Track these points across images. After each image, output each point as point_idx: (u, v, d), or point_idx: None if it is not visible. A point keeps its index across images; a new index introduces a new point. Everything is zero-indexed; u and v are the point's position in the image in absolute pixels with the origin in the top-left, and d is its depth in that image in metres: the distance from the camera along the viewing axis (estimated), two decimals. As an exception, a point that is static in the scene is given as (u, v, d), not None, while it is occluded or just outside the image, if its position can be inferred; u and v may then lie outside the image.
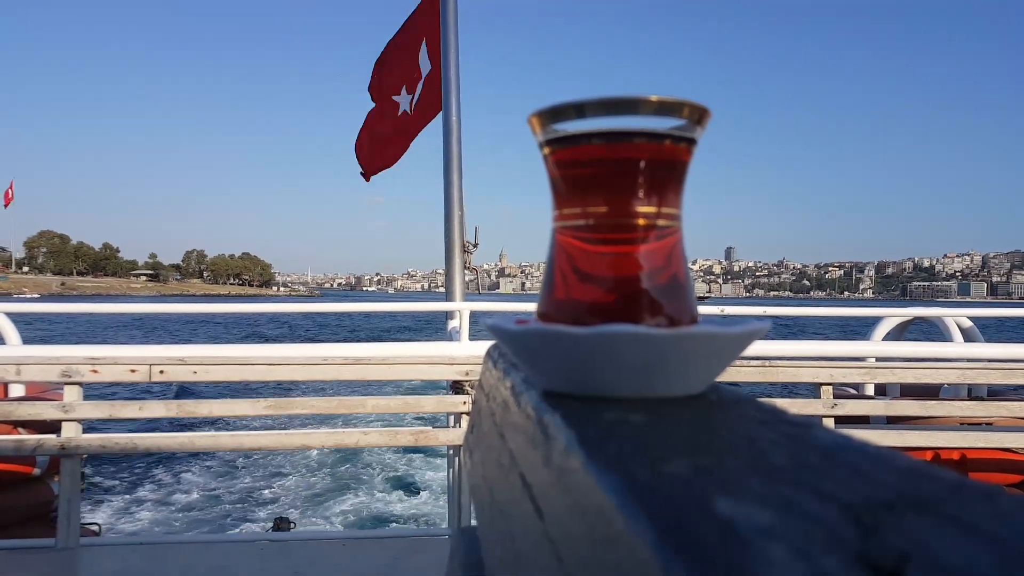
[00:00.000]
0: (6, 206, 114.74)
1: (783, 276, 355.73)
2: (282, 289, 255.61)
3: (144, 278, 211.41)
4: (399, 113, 4.83)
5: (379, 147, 5.03)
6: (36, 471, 3.14)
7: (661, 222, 0.42)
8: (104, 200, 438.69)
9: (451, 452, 2.63)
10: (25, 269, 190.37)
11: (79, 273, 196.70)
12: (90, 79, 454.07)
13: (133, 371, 2.36)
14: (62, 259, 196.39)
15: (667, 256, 0.42)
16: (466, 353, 2.61)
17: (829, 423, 2.55)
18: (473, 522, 2.43)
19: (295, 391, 9.54)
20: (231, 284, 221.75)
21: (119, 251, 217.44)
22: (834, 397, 2.62)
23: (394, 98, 4.84)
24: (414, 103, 4.69)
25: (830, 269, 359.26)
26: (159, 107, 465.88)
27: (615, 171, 0.41)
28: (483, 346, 2.71)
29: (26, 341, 3.23)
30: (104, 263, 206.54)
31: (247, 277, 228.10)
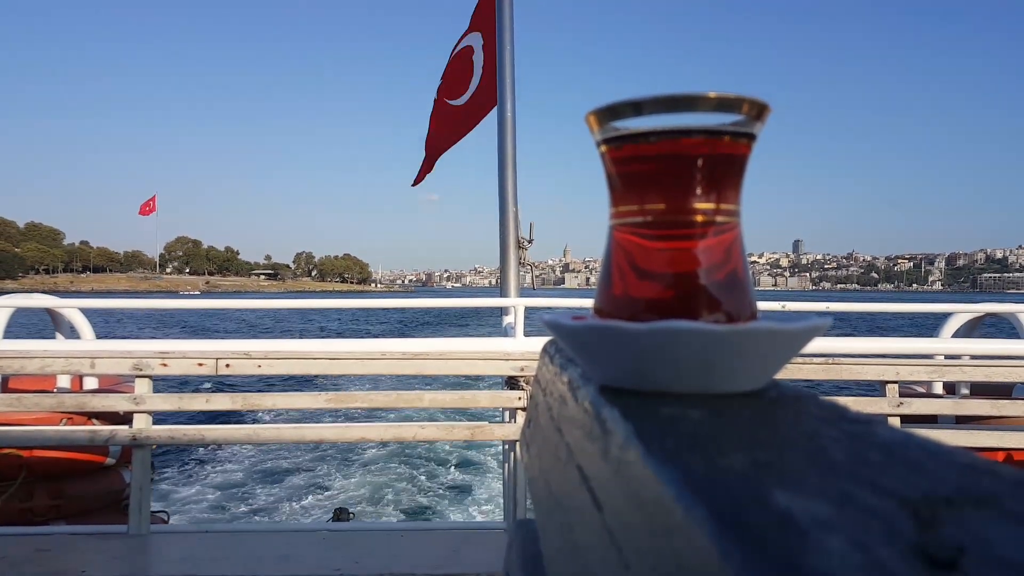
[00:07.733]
0: (140, 213, 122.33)
1: (851, 269, 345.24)
2: (379, 286, 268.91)
3: (264, 277, 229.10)
4: (451, 108, 4.84)
5: (433, 146, 5.05)
6: (109, 460, 3.28)
7: (720, 218, 0.42)
8: (220, 204, 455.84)
9: (506, 447, 2.65)
10: (168, 270, 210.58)
11: (209, 273, 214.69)
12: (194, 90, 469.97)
13: (200, 364, 2.45)
14: (195, 261, 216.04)
15: (726, 252, 0.42)
16: (521, 349, 2.61)
17: (895, 422, 2.47)
18: (529, 514, 2.44)
19: (354, 385, 9.73)
20: (335, 282, 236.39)
21: (239, 253, 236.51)
22: (900, 395, 2.54)
23: (451, 102, 4.85)
24: (467, 98, 4.68)
25: (900, 261, 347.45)
26: (231, 108, 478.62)
27: (673, 168, 0.41)
28: (537, 342, 2.70)
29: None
30: (227, 264, 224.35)
31: (348, 276, 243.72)
